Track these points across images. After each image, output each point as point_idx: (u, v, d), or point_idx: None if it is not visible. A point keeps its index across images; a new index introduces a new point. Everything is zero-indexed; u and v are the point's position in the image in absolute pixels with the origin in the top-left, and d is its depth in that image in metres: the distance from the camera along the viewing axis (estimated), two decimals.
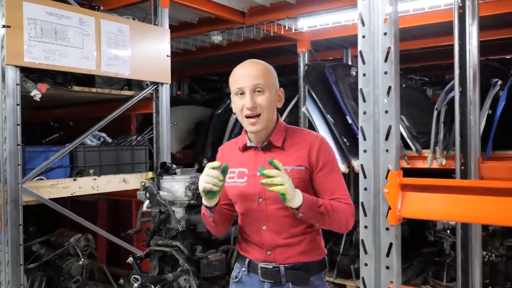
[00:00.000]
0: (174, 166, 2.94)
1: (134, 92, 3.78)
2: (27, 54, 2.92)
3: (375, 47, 1.55)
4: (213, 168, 1.78)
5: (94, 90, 3.52)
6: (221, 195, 1.94)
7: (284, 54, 6.71)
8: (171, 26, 5.20)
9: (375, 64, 1.55)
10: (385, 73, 1.53)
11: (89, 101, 4.28)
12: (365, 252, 1.58)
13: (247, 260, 1.99)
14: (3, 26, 2.83)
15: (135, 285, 2.41)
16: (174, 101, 7.23)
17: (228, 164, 1.81)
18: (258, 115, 1.87)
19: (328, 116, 5.08)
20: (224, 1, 4.53)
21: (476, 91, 2.85)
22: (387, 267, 1.53)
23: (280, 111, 5.83)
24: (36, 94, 3.01)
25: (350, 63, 6.60)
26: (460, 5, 2.77)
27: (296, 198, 1.75)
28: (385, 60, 1.53)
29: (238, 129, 5.85)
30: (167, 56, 3.85)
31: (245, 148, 1.99)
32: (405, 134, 4.63)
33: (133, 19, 3.75)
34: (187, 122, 6.73)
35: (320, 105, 5.12)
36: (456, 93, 2.85)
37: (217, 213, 1.94)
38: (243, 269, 2.01)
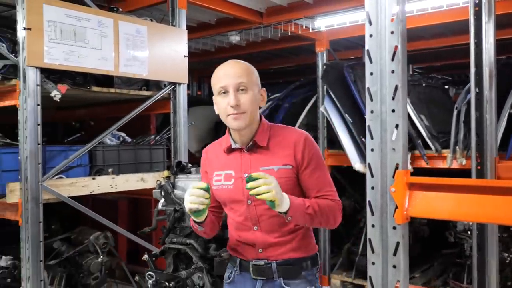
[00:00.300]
0: (190, 165, 2.97)
1: (152, 92, 3.83)
2: (47, 56, 2.99)
3: (382, 46, 1.55)
4: (199, 188, 1.80)
5: (112, 90, 3.59)
6: None
7: (303, 54, 6.70)
8: (189, 27, 5.26)
9: (382, 63, 1.55)
10: (392, 72, 1.53)
11: (108, 101, 4.36)
12: (372, 251, 1.58)
13: (238, 260, 2.02)
14: (24, 29, 2.90)
15: (150, 281, 2.45)
16: (194, 101, 7.32)
17: (209, 185, 1.83)
18: (242, 113, 1.87)
19: (347, 116, 5.06)
20: (241, 2, 4.55)
21: (493, 90, 2.81)
22: (394, 266, 1.53)
23: (298, 111, 5.87)
24: (56, 94, 3.09)
25: None
26: (477, 2, 2.73)
27: (284, 203, 1.76)
28: (392, 59, 1.53)
29: None
30: (184, 56, 3.90)
31: (230, 150, 2.00)
32: (424, 134, 4.58)
33: (151, 20, 3.81)
34: (206, 122, 6.78)
35: (338, 105, 5.11)
36: (472, 92, 2.81)
37: (207, 225, 1.97)
38: (235, 268, 2.04)
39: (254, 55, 6.71)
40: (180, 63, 3.86)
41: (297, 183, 1.94)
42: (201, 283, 2.54)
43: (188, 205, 1.81)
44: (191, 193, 1.80)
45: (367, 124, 1.60)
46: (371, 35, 1.58)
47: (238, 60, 2.01)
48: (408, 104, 4.77)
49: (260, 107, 2.00)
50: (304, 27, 4.90)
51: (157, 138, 4.24)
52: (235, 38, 5.18)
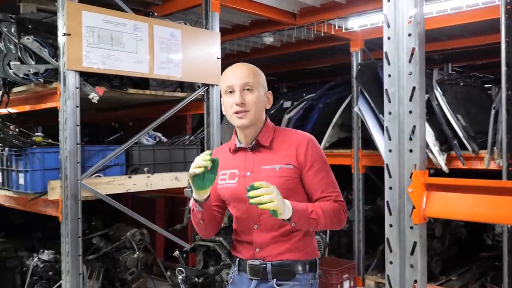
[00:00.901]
0: None
1: (186, 93, 3.94)
2: (85, 60, 3.14)
3: (400, 48, 1.57)
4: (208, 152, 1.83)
5: (148, 92, 3.72)
6: (212, 196, 2.00)
7: (339, 54, 6.69)
8: (224, 29, 5.37)
9: (400, 65, 1.57)
10: (410, 74, 1.55)
11: (145, 102, 4.50)
12: (390, 251, 1.60)
13: (237, 260, 2.06)
14: (64, 34, 3.05)
15: (180, 277, 2.54)
16: None
17: (218, 158, 1.84)
18: (246, 112, 1.92)
19: (381, 116, 5.02)
20: (275, 3, 4.60)
21: None
22: (412, 266, 1.55)
23: (333, 111, 5.86)
24: (94, 96, 3.23)
25: None
26: (508, 1, 2.68)
27: (286, 211, 1.77)
28: (410, 61, 1.54)
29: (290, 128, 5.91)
30: (218, 58, 3.98)
31: (236, 150, 2.05)
32: (461, 134, 4.50)
33: (185, 23, 3.91)
34: None
35: (372, 105, 5.08)
36: (503, 92, 2.76)
37: (207, 210, 1.96)
38: (235, 269, 2.08)
39: (289, 56, 6.76)
40: (213, 65, 3.95)
41: (299, 183, 1.96)
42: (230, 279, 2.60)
43: (191, 170, 1.82)
44: (196, 159, 1.83)
45: (385, 125, 1.62)
46: (389, 38, 1.60)
47: (245, 63, 2.07)
48: (444, 103, 4.70)
49: (266, 109, 2.04)
50: (337, 28, 4.91)
51: (191, 138, 4.35)
52: (268, 39, 5.24)
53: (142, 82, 3.74)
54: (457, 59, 6.98)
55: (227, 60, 6.89)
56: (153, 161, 3.88)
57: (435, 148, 4.61)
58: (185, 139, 4.33)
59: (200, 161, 1.80)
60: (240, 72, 1.96)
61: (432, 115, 4.78)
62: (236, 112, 1.93)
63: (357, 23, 4.80)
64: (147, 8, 4.47)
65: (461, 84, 5.40)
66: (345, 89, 5.91)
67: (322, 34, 5.08)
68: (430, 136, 4.66)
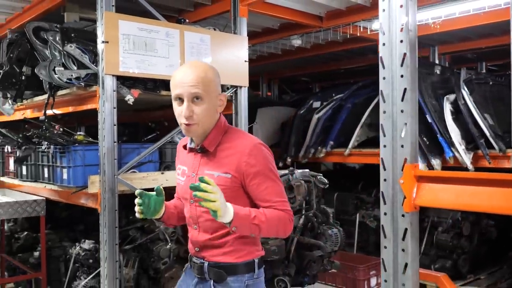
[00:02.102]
0: None
1: None
2: (122, 65, 3.42)
3: (393, 54, 1.74)
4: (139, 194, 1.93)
5: None
6: (178, 189, 2.14)
7: (370, 54, 6.79)
8: (254, 32, 5.59)
9: (393, 69, 1.74)
10: (401, 76, 1.71)
11: None
12: (385, 236, 1.77)
13: (189, 255, 2.11)
14: (103, 42, 3.34)
15: None
16: (263, 102, 7.64)
17: (160, 187, 1.96)
18: (193, 124, 1.88)
19: None
20: (302, 8, 4.79)
21: None
22: (403, 250, 1.71)
23: (361, 111, 5.97)
24: (129, 98, 3.50)
25: (437, 61, 6.52)
26: None
27: (227, 214, 1.73)
28: (401, 65, 1.71)
29: (319, 128, 6.07)
30: (245, 61, 4.20)
31: (188, 149, 2.06)
32: (487, 133, 4.55)
33: (214, 29, 4.15)
34: (274, 122, 7.07)
35: None
36: None
37: (167, 219, 2.09)
38: (189, 263, 2.12)
39: (320, 57, 6.91)
40: (241, 67, 4.17)
41: (239, 192, 1.92)
42: None
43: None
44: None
45: (380, 122, 1.78)
46: (384, 44, 1.77)
47: (197, 65, 1.96)
48: (471, 103, 4.76)
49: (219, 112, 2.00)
50: (362, 29, 5.03)
51: None
52: (296, 41, 5.43)
53: None
54: (492, 58, 6.95)
55: (259, 62, 7.14)
56: None
57: (461, 147, 4.67)
58: None
59: (136, 208, 1.92)
60: (190, 79, 1.86)
61: (458, 114, 4.85)
62: (183, 124, 1.90)
63: (376, 26, 4.91)
64: (180, 14, 4.74)
65: (491, 83, 5.41)
66: (374, 89, 6.01)
67: (348, 36, 5.22)
68: (456, 135, 4.73)
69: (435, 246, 5.33)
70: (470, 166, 4.60)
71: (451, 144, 4.70)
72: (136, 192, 1.94)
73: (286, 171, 3.04)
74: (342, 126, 5.95)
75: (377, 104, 5.74)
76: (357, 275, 5.34)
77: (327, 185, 3.02)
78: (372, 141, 5.96)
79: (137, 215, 1.97)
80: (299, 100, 7.61)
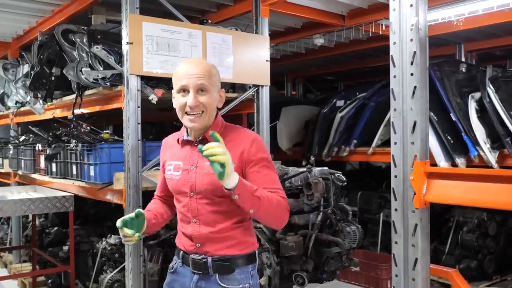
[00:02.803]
0: None
1: (237, 94, 4.24)
2: (145, 65, 3.52)
3: (403, 52, 1.76)
4: (122, 226, 1.89)
5: None
6: (161, 188, 2.18)
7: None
8: (277, 32, 5.64)
9: (404, 67, 1.77)
10: (411, 74, 1.74)
11: None
12: (395, 232, 1.80)
13: (181, 252, 2.07)
14: (127, 43, 3.45)
15: None
16: (288, 101, 7.67)
17: (140, 211, 1.95)
18: (200, 114, 1.92)
19: (431, 114, 5.08)
20: (323, 7, 4.81)
21: None
22: (413, 245, 1.74)
23: (385, 110, 5.94)
24: (153, 98, 3.60)
25: (463, 59, 6.44)
26: None
27: (233, 177, 1.74)
28: (411, 63, 1.73)
29: (343, 127, 6.07)
30: (267, 61, 4.25)
31: (183, 143, 2.06)
32: None
33: (236, 29, 4.22)
34: (297, 121, 7.10)
35: None
36: None
37: (149, 231, 2.09)
38: (179, 260, 2.09)
39: (344, 56, 6.91)
40: (262, 67, 4.23)
41: None
42: (268, 262, 2.87)
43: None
44: (121, 234, 1.92)
45: (391, 120, 1.81)
46: (394, 43, 1.80)
47: (201, 60, 2.08)
48: (497, 101, 4.70)
49: (218, 108, 2.05)
50: (384, 28, 5.02)
51: None
52: (319, 40, 5.45)
53: None
54: None
55: (283, 61, 7.18)
56: None
57: (486, 145, 4.62)
58: None
59: (127, 238, 1.92)
60: (195, 71, 1.93)
61: (484, 112, 4.79)
62: (188, 114, 1.93)
63: None
64: (203, 15, 4.83)
65: None
66: None
67: (371, 35, 5.21)
68: (481, 133, 4.68)
69: (460, 246, 5.29)
70: (495, 165, 4.54)
71: (476, 142, 4.66)
72: (118, 225, 1.90)
73: (304, 169, 3.08)
74: (365, 125, 5.94)
75: None
76: (380, 274, 5.34)
77: (345, 183, 3.05)
78: None
79: (128, 243, 1.99)
80: (323, 99, 7.62)
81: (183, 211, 2.02)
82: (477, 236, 5.17)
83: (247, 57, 4.13)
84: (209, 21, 4.28)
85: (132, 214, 1.95)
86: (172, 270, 2.12)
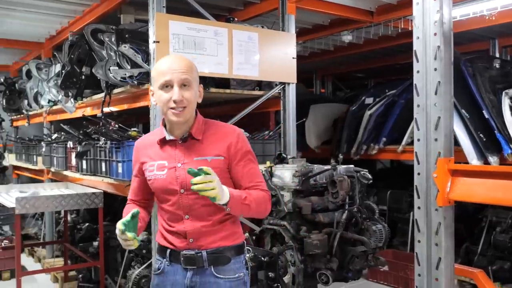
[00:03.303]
0: (289, 156, 3.31)
1: (263, 92, 4.24)
2: None
3: (427, 47, 1.72)
4: (125, 231, 1.88)
5: (228, 91, 4.07)
6: (137, 190, 2.13)
7: None
8: (305, 29, 5.61)
9: (427, 62, 1.73)
10: (435, 69, 1.69)
11: (232, 100, 4.86)
12: (418, 230, 1.76)
13: (168, 251, 2.05)
14: (154, 42, 3.49)
15: (247, 255, 2.84)
16: (317, 99, 7.62)
17: (137, 210, 1.92)
18: (183, 108, 1.94)
19: (463, 111, 4.96)
20: (351, 3, 4.75)
21: None
22: (436, 244, 1.70)
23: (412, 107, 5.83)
24: None
25: (497, 54, 6.26)
26: None
27: (225, 196, 1.84)
28: (435, 58, 1.69)
29: (371, 125, 5.99)
30: (293, 58, 4.23)
31: (164, 142, 2.06)
32: None
33: (262, 27, 4.21)
34: (326, 119, 7.04)
35: (454, 100, 5.02)
36: None
37: (139, 230, 2.04)
38: (165, 260, 2.07)
39: (374, 52, 6.81)
40: (289, 64, 4.21)
41: (228, 174, 2.03)
42: (292, 260, 2.86)
43: (126, 248, 1.96)
44: (121, 239, 1.92)
45: (414, 116, 1.77)
46: (418, 37, 1.76)
47: (181, 56, 2.11)
48: None
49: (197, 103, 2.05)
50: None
51: (270, 133, 4.63)
52: (347, 37, 5.39)
53: (224, 82, 4.10)
54: None
55: (312, 58, 7.13)
56: None
57: None
58: (265, 134, 4.63)
59: (127, 242, 1.91)
60: (179, 66, 1.96)
61: None
62: (173, 108, 1.94)
63: None
64: (230, 13, 4.84)
65: None
66: None
67: (400, 30, 5.12)
68: None
69: (493, 246, 5.14)
70: None
71: (509, 140, 4.52)
72: (121, 228, 1.90)
73: (328, 167, 3.06)
74: (395, 123, 5.85)
75: None
76: (409, 274, 5.25)
77: (371, 181, 3.01)
78: None
79: (129, 248, 1.96)
80: (353, 97, 7.53)
81: (172, 209, 2.02)
82: (511, 236, 5.02)
83: (274, 55, 4.12)
84: (236, 19, 4.28)
85: (128, 216, 1.92)
86: (158, 272, 2.10)
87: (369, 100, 6.18)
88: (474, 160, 4.92)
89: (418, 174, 1.75)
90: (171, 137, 2.03)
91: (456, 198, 1.65)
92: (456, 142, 5.13)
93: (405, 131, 5.76)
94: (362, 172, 2.98)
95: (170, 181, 2.00)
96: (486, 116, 4.80)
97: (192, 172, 1.76)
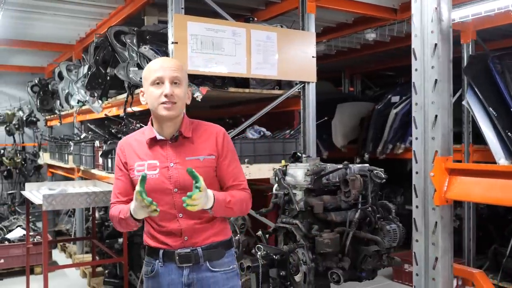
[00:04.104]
0: (304, 155, 3.31)
1: (282, 91, 4.25)
2: (190, 63, 3.61)
3: (425, 44, 1.71)
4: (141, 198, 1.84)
5: (247, 90, 4.10)
6: (122, 190, 2.08)
7: (455, 47, 6.47)
8: (329, 28, 5.58)
9: (425, 60, 1.71)
10: (432, 67, 1.67)
11: (253, 99, 4.89)
12: (416, 230, 1.74)
13: (161, 251, 2.06)
14: (172, 43, 3.56)
15: (259, 253, 2.87)
16: (344, 98, 7.57)
17: (145, 173, 1.90)
18: (173, 104, 1.99)
19: (490, 109, 4.85)
20: (374, 1, 4.70)
21: None
22: (433, 244, 1.68)
23: None
24: (198, 95, 3.69)
25: None
26: None
27: (209, 202, 1.92)
28: (432, 56, 1.67)
29: (397, 123, 5.91)
30: (313, 57, 4.22)
31: (153, 142, 2.08)
32: None
33: (281, 26, 4.22)
34: (353, 117, 6.99)
35: (481, 98, 4.91)
36: None
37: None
38: (158, 261, 2.07)
39: (400, 50, 6.69)
40: (308, 63, 4.20)
41: (215, 173, 2.10)
42: (304, 258, 2.87)
43: (152, 213, 1.89)
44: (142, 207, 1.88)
45: (412, 115, 1.76)
46: (416, 35, 1.74)
47: (170, 58, 2.18)
48: None
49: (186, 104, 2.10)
50: None
51: (291, 132, 4.64)
52: (370, 35, 5.33)
53: (243, 82, 4.14)
54: None
55: (339, 57, 7.08)
56: (253, 153, 4.25)
57: None
58: (286, 133, 4.64)
59: (150, 208, 1.86)
60: (170, 65, 2.04)
61: None
62: (164, 103, 1.99)
63: (458, 14, 4.66)
64: (253, 13, 4.88)
65: None
66: (456, 82, 5.73)
67: None
68: None
69: None
70: None
71: None
72: (140, 199, 1.85)
73: (341, 166, 3.05)
74: None
75: (459, 98, 5.50)
76: None
77: (384, 180, 2.98)
78: (456, 137, 5.70)
79: (154, 215, 1.90)
80: (380, 95, 7.44)
81: (165, 209, 2.02)
82: None
83: (293, 54, 4.12)
84: (255, 19, 4.32)
85: (140, 184, 1.85)
86: (152, 274, 2.11)
87: (395, 99, 6.10)
88: (501, 160, 4.79)
89: (416, 173, 1.73)
90: (161, 137, 2.07)
91: (453, 197, 1.63)
92: (484, 141, 5.03)
93: None
94: (375, 171, 2.96)
95: (163, 181, 2.03)
96: None
97: (192, 174, 1.83)
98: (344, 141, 6.89)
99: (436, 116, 1.66)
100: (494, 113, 4.80)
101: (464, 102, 5.18)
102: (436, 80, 1.66)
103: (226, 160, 2.10)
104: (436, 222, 1.67)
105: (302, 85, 4.27)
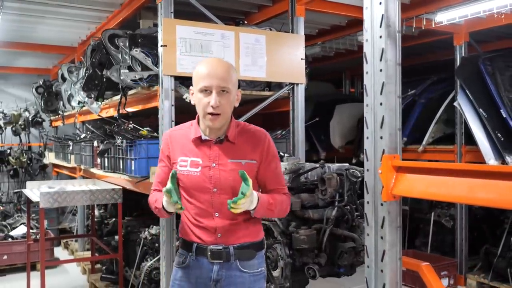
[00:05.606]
0: (286, 155, 3.41)
1: (272, 92, 4.35)
2: (179, 66, 3.73)
3: (374, 49, 1.80)
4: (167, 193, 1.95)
5: None
6: (163, 178, 2.17)
7: (448, 48, 6.53)
8: (323, 30, 5.67)
9: (375, 63, 1.80)
10: (380, 70, 1.77)
11: (250, 100, 4.98)
12: (367, 224, 1.84)
13: (195, 245, 2.15)
14: (161, 46, 3.69)
15: None
16: (343, 99, 7.64)
17: (175, 170, 2.01)
18: (219, 115, 2.04)
19: (481, 110, 4.91)
20: (361, 3, 4.77)
21: None
22: (382, 237, 1.77)
23: (436, 107, 5.76)
24: (187, 97, 3.80)
25: None
26: None
27: (253, 204, 2.01)
28: (380, 59, 1.77)
29: None
30: (302, 59, 4.31)
31: (199, 141, 2.14)
32: None
33: (270, 29, 4.33)
34: (351, 118, 7.06)
35: (472, 99, 4.97)
36: None
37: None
38: (190, 254, 2.17)
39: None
40: (297, 65, 4.30)
41: (256, 177, 2.16)
42: (282, 253, 2.97)
43: (178, 210, 2.03)
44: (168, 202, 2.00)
45: (364, 115, 1.86)
46: (367, 40, 1.84)
47: (223, 61, 2.16)
48: None
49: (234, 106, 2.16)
50: (424, 22, 4.89)
51: (283, 133, 4.74)
52: (361, 37, 5.39)
53: None
54: None
55: (338, 58, 7.15)
56: None
57: None
58: (277, 133, 4.74)
59: (176, 206, 1.98)
60: (218, 72, 2.04)
61: None
62: (210, 113, 2.03)
63: (445, 17, 4.72)
64: (246, 16, 4.99)
65: None
66: (449, 84, 5.80)
67: (413, 30, 5.10)
68: None
69: None
70: None
71: None
72: (174, 199, 1.96)
73: (317, 165, 3.14)
74: (416, 122, 5.83)
75: (453, 99, 5.55)
76: None
77: (360, 179, 3.07)
78: (450, 137, 5.74)
79: (180, 211, 2.04)
80: None
81: (203, 206, 2.12)
82: None
83: (282, 56, 4.22)
84: (245, 22, 4.42)
85: (170, 183, 1.95)
86: (184, 265, 2.19)
87: None
88: (491, 160, 4.85)
89: (367, 170, 1.83)
90: (207, 138, 2.14)
91: (399, 193, 1.72)
92: (474, 142, 5.08)
93: (426, 130, 5.72)
94: (351, 170, 3.05)
95: (204, 179, 2.10)
96: (504, 115, 4.73)
97: (244, 177, 1.92)
98: (342, 142, 6.97)
99: (383, 117, 1.76)
100: (484, 114, 4.86)
101: (455, 103, 5.24)
102: (383, 83, 1.76)
103: (269, 165, 2.17)
104: (384, 217, 1.76)
105: (292, 86, 4.37)
